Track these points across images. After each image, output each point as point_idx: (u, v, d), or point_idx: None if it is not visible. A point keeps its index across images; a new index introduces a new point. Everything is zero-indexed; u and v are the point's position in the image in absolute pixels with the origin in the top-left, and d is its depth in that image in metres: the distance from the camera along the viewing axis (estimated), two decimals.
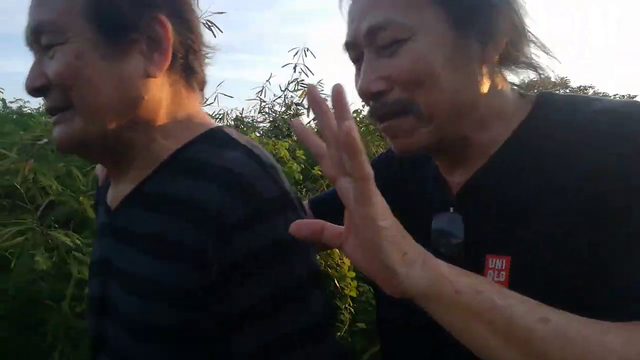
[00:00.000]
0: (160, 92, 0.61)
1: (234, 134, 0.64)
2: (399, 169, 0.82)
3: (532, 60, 0.65)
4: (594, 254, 0.53)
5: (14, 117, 2.07)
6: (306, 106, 2.84)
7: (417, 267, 0.48)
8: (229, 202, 0.54)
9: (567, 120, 0.60)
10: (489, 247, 0.62)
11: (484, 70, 0.62)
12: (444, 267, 0.50)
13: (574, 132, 0.58)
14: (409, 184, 0.78)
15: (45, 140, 1.56)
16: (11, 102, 2.45)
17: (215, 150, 0.60)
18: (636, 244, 0.51)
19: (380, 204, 0.46)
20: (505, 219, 0.61)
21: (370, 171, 0.44)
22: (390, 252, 0.46)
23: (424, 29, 0.59)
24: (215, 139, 0.62)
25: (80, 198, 1.48)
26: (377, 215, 0.45)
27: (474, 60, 0.61)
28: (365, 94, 0.63)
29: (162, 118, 0.62)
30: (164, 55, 0.60)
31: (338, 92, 0.44)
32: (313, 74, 2.73)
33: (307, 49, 2.69)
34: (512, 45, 0.63)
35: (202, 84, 0.68)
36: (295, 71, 2.73)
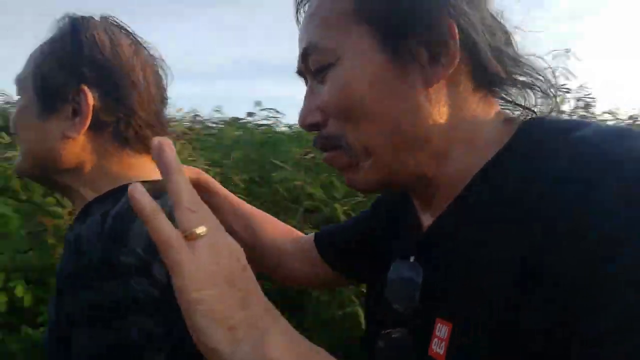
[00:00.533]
0: (83, 151, 0.71)
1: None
2: (394, 205, 0.71)
3: (519, 78, 0.52)
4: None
5: (295, 136, 2.53)
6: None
7: (245, 348, 0.39)
8: (65, 259, 0.64)
9: (537, 159, 0.46)
10: (439, 309, 0.52)
11: (433, 94, 0.50)
12: (279, 350, 0.40)
13: (537, 176, 0.45)
14: (390, 223, 0.69)
15: (312, 154, 1.83)
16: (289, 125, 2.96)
17: (100, 207, 0.68)
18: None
19: (195, 272, 0.39)
20: (456, 277, 0.51)
21: (166, 237, 0.38)
22: (208, 328, 0.39)
23: (350, 51, 0.51)
24: (110, 196, 0.69)
25: (335, 205, 1.70)
26: (187, 286, 0.38)
27: (415, 84, 0.50)
28: (302, 127, 0.57)
29: (87, 171, 0.72)
30: (82, 121, 0.68)
31: (154, 149, 0.41)
32: (575, 77, 2.45)
33: (569, 50, 2.44)
34: (475, 61, 0.50)
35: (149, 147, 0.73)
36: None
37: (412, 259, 0.58)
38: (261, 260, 0.91)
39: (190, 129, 2.84)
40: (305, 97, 0.57)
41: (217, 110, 3.02)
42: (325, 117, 0.55)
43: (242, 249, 0.45)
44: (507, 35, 0.53)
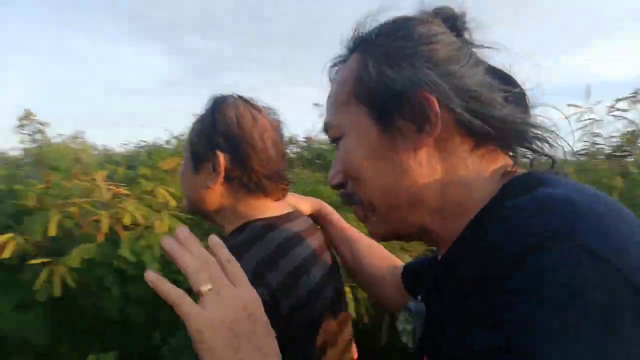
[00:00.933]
0: (220, 197, 0.99)
1: (255, 230, 0.92)
2: None
3: (530, 132, 0.57)
4: None
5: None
6: None
7: None
8: None
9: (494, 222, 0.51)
10: (427, 346, 0.60)
11: (423, 159, 0.58)
12: None
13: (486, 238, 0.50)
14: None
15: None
16: None
17: (230, 239, 0.93)
18: None
19: (200, 320, 0.51)
20: (437, 322, 0.58)
21: (174, 297, 0.51)
22: None
23: (351, 126, 0.63)
24: (235, 231, 0.97)
25: None
26: (193, 332, 0.51)
27: (404, 152, 0.58)
28: (330, 186, 0.69)
29: (226, 212, 1.01)
30: (217, 176, 0.97)
31: (163, 245, 0.55)
32: None
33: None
34: (464, 125, 0.56)
35: (268, 193, 1.00)
36: None
37: (419, 298, 0.66)
38: (363, 284, 1.09)
39: None
40: (333, 162, 0.69)
41: None
42: (345, 178, 0.66)
43: (254, 298, 0.56)
44: (509, 92, 0.58)
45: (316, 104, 4.34)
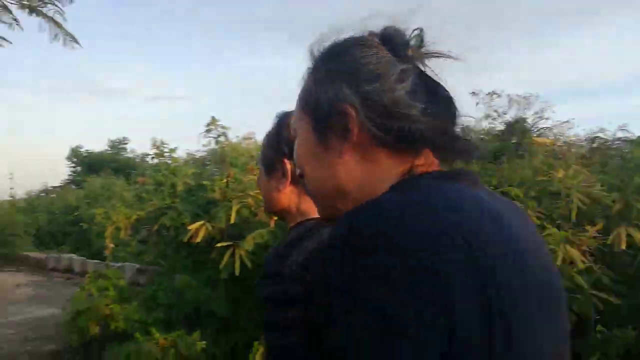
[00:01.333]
0: (289, 197, 1.16)
1: (307, 227, 1.08)
2: None
3: (421, 138, 0.65)
4: None
5: None
6: None
7: None
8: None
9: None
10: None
11: (346, 162, 0.70)
12: None
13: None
14: None
15: None
16: None
17: (290, 236, 1.11)
18: None
19: None
20: None
21: None
22: None
23: (299, 131, 0.76)
24: (293, 228, 1.14)
25: None
26: None
27: (333, 155, 0.70)
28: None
29: (292, 210, 1.17)
30: (285, 180, 1.14)
31: None
32: None
33: None
34: (376, 137, 0.66)
35: None
36: None
37: None
38: None
39: (593, 149, 2.67)
40: None
41: (624, 129, 2.88)
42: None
43: None
44: (423, 107, 0.66)
45: (473, 93, 4.09)
